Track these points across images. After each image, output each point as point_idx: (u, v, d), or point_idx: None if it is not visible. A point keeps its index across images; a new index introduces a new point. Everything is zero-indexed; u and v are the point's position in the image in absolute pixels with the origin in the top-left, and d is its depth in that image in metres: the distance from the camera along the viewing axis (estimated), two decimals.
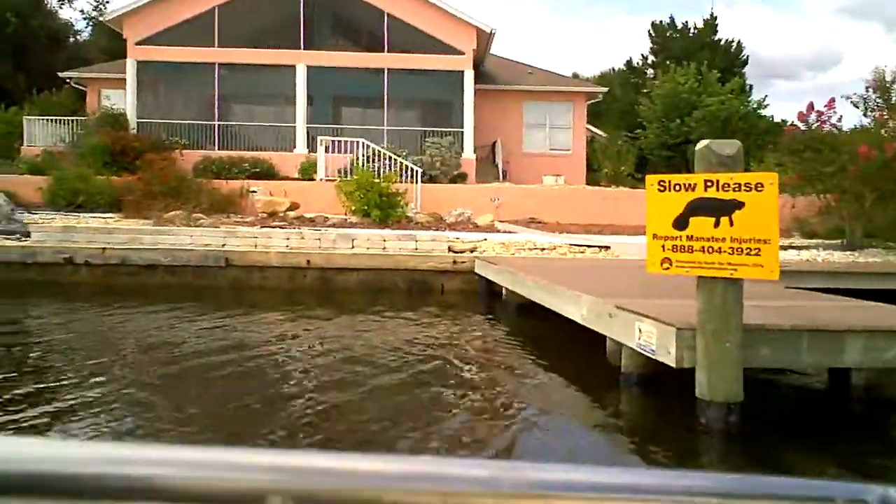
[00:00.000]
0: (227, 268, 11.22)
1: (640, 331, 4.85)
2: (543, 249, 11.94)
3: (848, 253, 12.11)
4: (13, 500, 0.54)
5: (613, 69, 45.19)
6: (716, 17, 41.50)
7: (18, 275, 11.25)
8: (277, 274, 11.27)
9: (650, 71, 43.68)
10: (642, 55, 43.93)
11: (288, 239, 11.53)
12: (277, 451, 0.60)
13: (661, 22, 42.62)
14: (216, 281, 11.28)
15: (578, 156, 28.32)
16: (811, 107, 13.36)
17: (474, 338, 8.44)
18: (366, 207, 16.84)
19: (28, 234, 11.87)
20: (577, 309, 6.27)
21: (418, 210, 17.62)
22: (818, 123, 13.13)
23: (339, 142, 18.78)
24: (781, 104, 62.04)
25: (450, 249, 11.51)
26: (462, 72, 24.91)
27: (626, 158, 26.92)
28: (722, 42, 41.17)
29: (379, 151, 18.17)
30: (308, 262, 11.19)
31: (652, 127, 36.12)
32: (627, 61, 44.20)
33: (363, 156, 18.13)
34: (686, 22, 41.80)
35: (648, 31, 42.92)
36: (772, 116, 32.06)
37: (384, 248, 11.52)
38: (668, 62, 40.75)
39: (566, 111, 28.40)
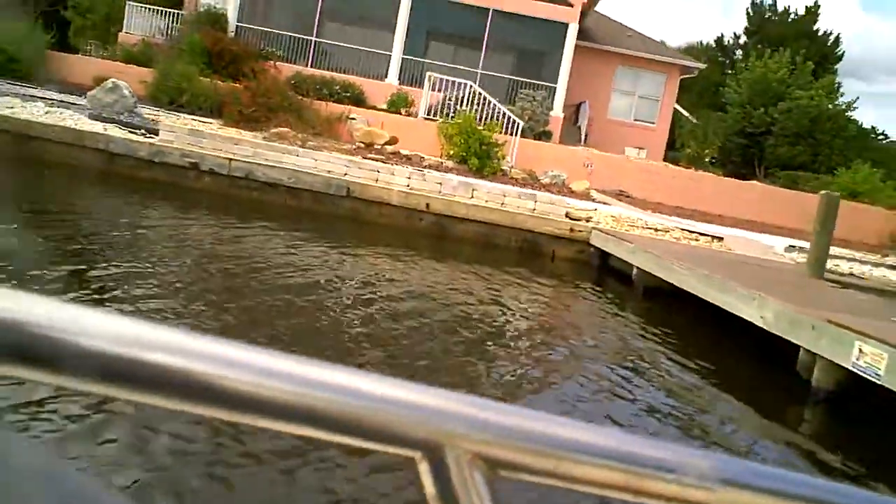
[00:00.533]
0: (347, 198, 11.27)
1: (860, 351, 4.81)
2: (657, 230, 11.86)
3: None
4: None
5: (701, 43, 44.05)
6: (819, 6, 40.17)
7: (144, 172, 11.40)
8: (395, 212, 11.32)
9: (739, 52, 42.59)
10: (734, 34, 42.75)
11: (409, 178, 11.54)
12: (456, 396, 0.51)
13: (761, 1, 41.36)
14: (335, 209, 11.36)
15: (662, 130, 27.91)
16: None
17: (601, 319, 8.45)
18: (464, 154, 16.77)
19: (156, 132, 11.97)
20: (756, 311, 6.25)
21: (513, 164, 17.50)
22: None
23: (446, 80, 18.53)
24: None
25: (567, 216, 11.46)
26: (567, 24, 24.44)
27: (712, 141, 26.46)
28: (820, 33, 39.93)
29: (485, 97, 17.95)
30: (427, 205, 11.22)
31: (734, 111, 35.39)
32: (718, 38, 43.10)
33: (468, 99, 17.92)
34: (788, 6, 40.50)
35: (747, 9, 41.65)
36: (861, 122, 31.21)
37: (503, 203, 11.49)
38: (760, 45, 39.70)
39: (658, 82, 27.91)
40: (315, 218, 11.21)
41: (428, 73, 18.76)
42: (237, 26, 24.53)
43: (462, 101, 17.98)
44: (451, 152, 16.88)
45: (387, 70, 24.82)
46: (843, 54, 39.65)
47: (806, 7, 40.55)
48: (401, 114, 20.97)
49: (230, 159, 11.29)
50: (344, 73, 23.83)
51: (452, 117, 17.85)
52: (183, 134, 11.60)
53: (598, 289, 10.01)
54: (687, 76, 28.64)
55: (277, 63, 23.41)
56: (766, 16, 40.89)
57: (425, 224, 11.36)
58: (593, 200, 15.81)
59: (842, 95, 35.74)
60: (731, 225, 16.51)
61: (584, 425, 0.51)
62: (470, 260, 10.70)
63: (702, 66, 28.90)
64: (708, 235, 12.13)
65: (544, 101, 23.47)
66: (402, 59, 24.80)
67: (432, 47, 25.95)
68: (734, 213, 18.50)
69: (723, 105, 35.42)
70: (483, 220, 11.27)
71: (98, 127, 11.92)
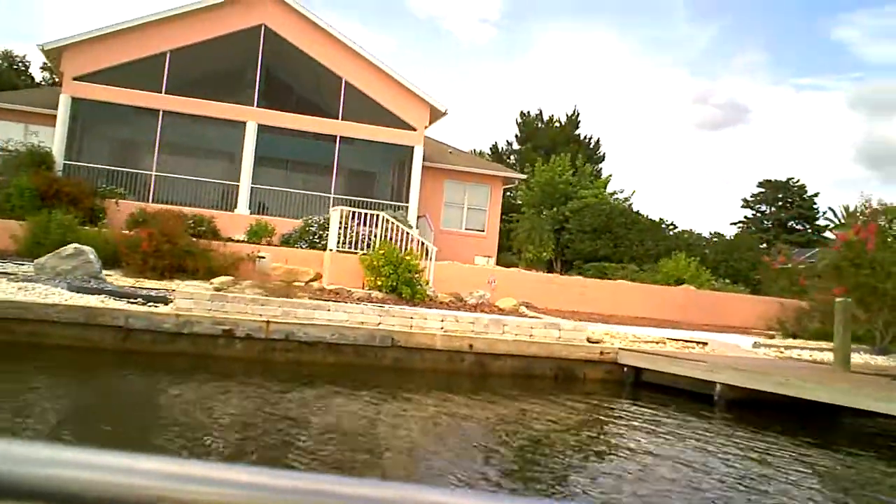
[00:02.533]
0: (391, 348, 11.24)
1: None
2: (657, 343, 13.06)
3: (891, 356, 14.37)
4: None
5: (477, 151, 47.65)
6: (578, 114, 45.36)
7: (166, 346, 10.54)
8: (437, 356, 11.46)
9: (513, 158, 46.55)
10: (507, 141, 46.76)
11: (443, 321, 11.75)
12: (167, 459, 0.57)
13: (528, 112, 45.82)
14: (377, 360, 11.25)
15: (492, 237, 29.80)
16: (860, 229, 15.71)
17: (734, 441, 9.31)
18: (394, 284, 17.05)
19: (164, 301, 11.10)
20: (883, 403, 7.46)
21: (433, 287, 18.03)
22: (863, 242, 15.36)
23: (357, 212, 18.77)
24: None
25: (588, 340, 12.29)
26: (412, 147, 25.67)
27: (547, 244, 28.78)
28: (583, 137, 44.99)
29: (396, 225, 18.42)
30: (471, 346, 11.50)
31: (529, 212, 38.61)
32: (493, 146, 46.85)
33: (381, 229, 18.28)
34: (553, 115, 45.29)
35: (516, 119, 45.88)
36: (647, 214, 35.41)
37: (530, 335, 12.07)
38: (534, 151, 43.93)
39: (484, 193, 29.88)
40: (360, 371, 11.01)
41: (338, 207, 18.85)
42: (65, 164, 22.88)
43: (372, 233, 18.26)
44: (380, 283, 17.05)
45: (236, 200, 24.35)
46: (604, 155, 44.92)
47: (567, 115, 45.59)
48: (261, 244, 20.59)
49: (268, 322, 10.80)
50: (190, 206, 22.98)
51: (370, 248, 18.08)
52: (203, 300, 10.90)
53: (665, 406, 10.84)
54: (509, 185, 31.00)
55: (119, 200, 22.18)
56: (536, 124, 45.32)
57: (466, 364, 11.60)
58: (525, 316, 16.74)
59: (622, 191, 40.51)
60: (629, 323, 18.23)
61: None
62: (522, 391, 11.11)
63: (522, 176, 31.49)
64: (694, 342, 13.55)
65: (405, 220, 24.33)
66: (252, 188, 24.52)
67: (282, 175, 25.94)
68: (622, 312, 20.37)
69: (517, 207, 38.54)
70: (521, 354, 11.75)
71: (93, 300, 10.82)
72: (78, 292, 11.17)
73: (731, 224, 54.29)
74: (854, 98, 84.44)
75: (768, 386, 9.44)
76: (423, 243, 18.77)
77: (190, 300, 10.87)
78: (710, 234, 40.95)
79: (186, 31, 23.85)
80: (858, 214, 18.01)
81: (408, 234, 18.61)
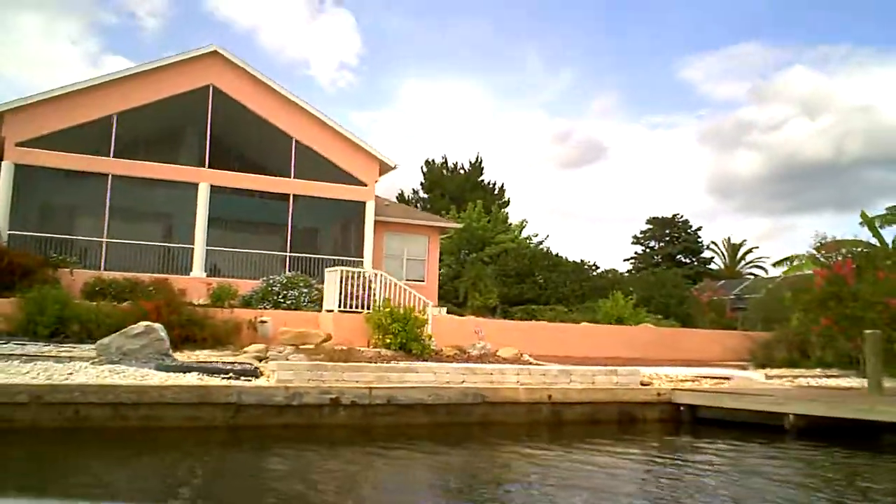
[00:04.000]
0: (480, 405, 11.90)
1: None
2: (693, 381, 14.32)
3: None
4: None
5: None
6: (482, 160, 47.17)
7: (273, 419, 10.78)
8: (518, 409, 12.21)
9: (419, 205, 47.66)
10: (413, 189, 47.87)
11: (518, 375, 12.53)
12: None
13: (433, 160, 47.19)
14: (467, 417, 11.87)
15: (432, 285, 30.65)
16: (840, 265, 17.65)
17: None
18: (403, 341, 17.59)
19: (254, 374, 11.29)
20: None
21: (434, 341, 18.67)
22: (843, 277, 17.28)
23: (353, 272, 19.19)
24: None
25: (641, 383, 13.39)
26: (364, 202, 26.28)
27: (491, 291, 29.92)
28: (489, 183, 46.78)
29: (394, 283, 19.00)
30: (550, 396, 12.33)
31: (450, 259, 39.78)
32: (399, 194, 47.82)
33: (381, 287, 18.81)
34: (457, 162, 46.86)
35: (421, 167, 47.10)
36: (566, 256, 37.29)
37: (593, 382, 13.04)
38: (442, 197, 45.30)
39: (422, 243, 30.73)
40: (453, 428, 11.59)
41: (337, 269, 19.19)
42: (10, 234, 22.05)
43: (379, 290, 18.77)
44: (388, 340, 17.53)
45: (191, 263, 24.12)
46: (509, 200, 46.81)
47: (470, 162, 47.28)
48: (224, 307, 20.44)
49: (370, 388, 11.24)
50: (144, 272, 22.63)
51: (368, 307, 18.54)
52: (302, 370, 11.22)
53: (736, 443, 12.01)
54: (445, 236, 32.01)
55: (74, 269, 21.59)
56: (442, 172, 46.72)
57: (544, 414, 12.40)
58: (530, 363, 17.68)
59: (536, 235, 42.35)
60: (612, 363, 19.52)
61: None
62: (601, 435, 12.02)
63: (459, 225, 32.60)
64: (721, 378, 14.92)
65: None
66: (207, 250, 24.36)
67: (235, 236, 25.83)
68: (599, 353, 21.64)
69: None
70: (590, 401, 12.68)
71: (192, 378, 10.91)
72: (167, 371, 11.19)
73: (624, 260, 57.41)
74: (702, 133, 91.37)
75: (847, 413, 10.80)
76: (419, 298, 19.39)
77: (290, 371, 11.14)
78: (627, 272, 43.44)
79: (133, 93, 23.61)
80: (819, 249, 20.12)
81: (405, 290, 19.19)
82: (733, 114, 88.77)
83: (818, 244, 20.09)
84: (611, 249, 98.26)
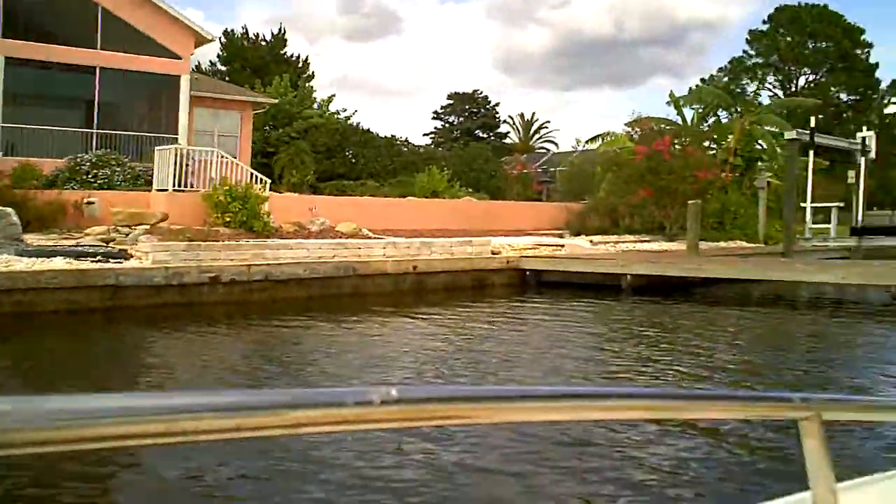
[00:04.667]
0: (351, 277, 12.54)
1: None
2: (532, 248, 15.68)
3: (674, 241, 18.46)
4: None
5: None
6: (285, 32, 45.87)
7: (153, 299, 10.87)
8: (386, 280, 12.99)
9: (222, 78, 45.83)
10: (210, 61, 45.82)
11: (384, 248, 13.23)
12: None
13: (232, 31, 45.24)
14: (339, 290, 12.49)
15: (245, 162, 30.21)
16: (660, 143, 19.36)
17: (646, 314, 12.27)
18: (244, 219, 17.64)
19: (123, 257, 11.18)
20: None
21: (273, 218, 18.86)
22: (660, 153, 19.06)
23: (189, 150, 18.70)
24: None
25: (491, 252, 14.54)
26: (179, 76, 25.18)
27: (308, 168, 29.96)
28: (292, 56, 45.74)
29: (231, 160, 18.80)
30: (414, 267, 13.18)
31: (256, 135, 39.07)
32: (196, 66, 45.52)
33: (215, 165, 18.56)
34: (258, 33, 45.29)
35: (220, 38, 45.00)
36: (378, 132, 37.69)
37: (452, 253, 14.01)
38: (243, 70, 43.93)
39: (234, 118, 30.04)
40: (327, 301, 12.19)
41: (172, 147, 18.60)
42: None
43: (215, 169, 18.50)
44: (228, 219, 17.50)
45: None
46: (313, 74, 46.05)
47: (272, 34, 45.81)
48: (27, 188, 19.32)
49: (249, 266, 11.51)
50: None
51: (207, 186, 18.30)
52: (178, 251, 11.26)
53: (579, 297, 13.49)
54: (259, 111, 31.33)
55: None
56: (242, 43, 44.94)
57: (409, 283, 13.27)
58: (367, 237, 18.41)
59: (345, 110, 42.22)
60: (439, 235, 20.74)
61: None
62: (461, 300, 13.10)
63: (274, 100, 31.96)
64: (556, 245, 16.38)
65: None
66: (2, 127, 22.59)
67: (36, 112, 23.94)
68: (428, 226, 22.66)
69: None
70: (450, 270, 13.67)
71: (60, 262, 10.65)
72: (30, 256, 10.82)
73: (424, 135, 58.57)
74: (490, 8, 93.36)
75: (680, 272, 12.50)
76: (254, 175, 19.34)
77: (166, 252, 11.15)
78: (426, 146, 44.56)
79: None
80: (633, 125, 22.00)
81: (240, 167, 19.04)
82: None
83: (633, 120, 21.94)
84: (409, 124, 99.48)
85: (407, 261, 13.21)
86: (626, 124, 23.27)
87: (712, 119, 26.71)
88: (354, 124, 39.41)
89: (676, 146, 19.65)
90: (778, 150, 21.97)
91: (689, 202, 15.19)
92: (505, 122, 57.77)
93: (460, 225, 23.31)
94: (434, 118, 57.41)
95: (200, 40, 25.68)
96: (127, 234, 14.44)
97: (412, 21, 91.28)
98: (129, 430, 0.64)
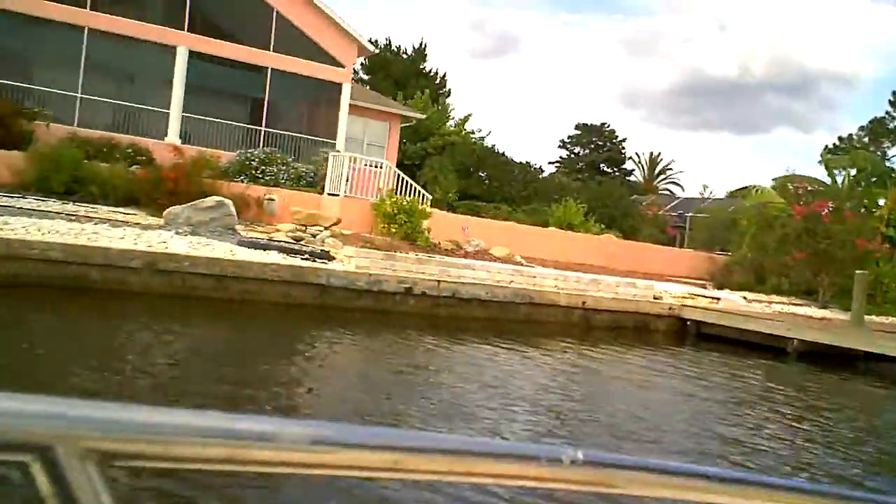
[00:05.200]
0: (525, 304, 13.23)
1: None
2: (687, 298, 16.08)
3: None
4: None
5: None
6: (426, 45, 47.26)
7: (356, 302, 11.77)
8: (557, 311, 13.62)
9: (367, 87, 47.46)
10: (354, 69, 47.55)
11: (556, 280, 13.87)
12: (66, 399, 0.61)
13: (377, 40, 46.86)
14: (514, 315, 13.19)
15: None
16: (820, 204, 19.54)
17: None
18: (408, 231, 18.57)
19: (323, 257, 12.15)
20: None
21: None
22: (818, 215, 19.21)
23: (361, 158, 19.82)
24: None
25: (654, 297, 15.02)
26: (341, 84, 26.51)
27: (452, 185, 30.95)
28: (431, 71, 47.07)
29: (398, 174, 19.81)
30: (584, 302, 13.77)
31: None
32: None
33: (385, 178, 19.60)
34: (400, 45, 46.84)
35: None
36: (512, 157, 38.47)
37: (617, 293, 14.55)
38: (385, 82, 45.37)
39: (383, 129, 31.27)
40: (504, 324, 12.91)
41: (346, 153, 19.79)
42: None
43: (383, 181, 19.54)
44: (394, 230, 18.45)
45: (166, 129, 24.00)
46: (450, 91, 47.28)
47: (414, 47, 47.27)
48: (203, 178, 20.65)
49: (439, 282, 12.33)
50: (117, 131, 22.57)
51: (373, 196, 19.35)
52: (377, 259, 12.17)
53: (744, 360, 13.80)
54: (406, 124, 32.55)
55: (50, 124, 21.25)
56: (385, 54, 46.52)
57: (577, 317, 13.87)
58: (521, 264, 19.07)
59: (480, 130, 43.22)
60: (582, 270, 21.22)
61: (188, 411, 0.65)
62: (625, 341, 13.61)
63: (422, 116, 33.15)
64: (713, 297, 16.75)
65: (337, 157, 25.34)
66: (183, 116, 24.25)
67: (211, 105, 25.63)
68: (570, 259, 23.23)
69: None
70: (615, 310, 14.21)
71: (265, 256, 11.69)
72: (248, 247, 11.90)
73: (550, 163, 59.16)
74: (618, 38, 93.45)
75: (849, 343, 12.74)
76: (418, 191, 20.29)
77: (367, 259, 12.08)
78: (551, 174, 45.06)
79: None
80: (786, 182, 22.11)
81: (405, 181, 20.03)
82: (647, 20, 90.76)
83: (785, 177, 22.04)
84: (532, 149, 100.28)
85: (577, 295, 13.83)
86: (774, 179, 23.31)
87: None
88: (491, 146, 40.34)
89: (833, 209, 19.64)
90: None
91: (858, 272, 15.30)
92: (630, 158, 57.86)
93: (600, 261, 23.81)
94: (560, 146, 57.96)
95: (362, 50, 26.96)
96: (314, 235, 15.50)
97: (534, 42, 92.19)
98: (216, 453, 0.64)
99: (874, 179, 24.77)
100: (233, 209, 13.28)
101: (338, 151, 24.93)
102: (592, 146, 56.83)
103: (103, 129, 22.34)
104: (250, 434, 0.65)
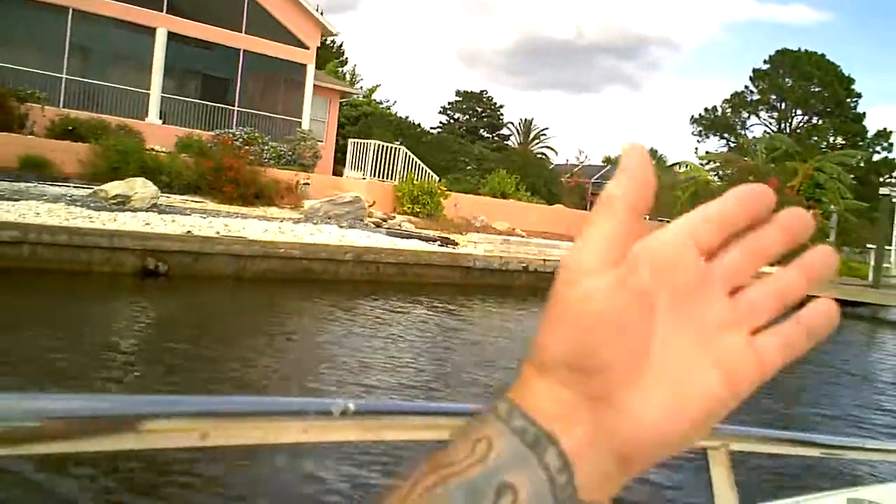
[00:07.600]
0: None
1: None
2: None
3: None
4: None
5: None
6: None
7: (487, 279, 14.61)
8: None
9: None
10: None
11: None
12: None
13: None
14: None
15: (329, 148, 33.47)
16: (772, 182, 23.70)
17: None
18: (430, 211, 21.25)
19: (453, 243, 14.83)
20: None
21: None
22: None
23: (377, 144, 22.13)
24: None
25: None
26: (305, 65, 28.37)
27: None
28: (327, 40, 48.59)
29: (412, 159, 22.36)
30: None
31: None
32: None
33: (402, 160, 22.10)
34: None
35: None
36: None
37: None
38: None
39: (323, 105, 33.22)
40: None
41: (373, 141, 22.01)
42: None
43: (399, 163, 22.04)
44: (417, 209, 21.04)
45: (146, 109, 25.15)
46: (347, 59, 49.12)
47: None
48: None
49: (545, 260, 15.34)
50: (101, 113, 23.67)
51: (388, 178, 21.85)
52: (497, 243, 15.01)
53: None
54: (345, 99, 34.54)
55: (45, 106, 22.11)
56: None
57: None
58: (521, 237, 22.25)
59: (388, 100, 45.43)
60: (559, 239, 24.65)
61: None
62: None
63: (357, 91, 35.20)
64: None
65: (308, 136, 27.32)
66: (162, 97, 25.44)
67: (187, 85, 26.81)
68: (538, 228, 26.50)
69: None
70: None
71: (404, 242, 14.25)
72: (393, 237, 14.39)
73: (432, 128, 62.10)
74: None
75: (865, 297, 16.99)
76: (427, 173, 22.93)
77: (490, 244, 14.89)
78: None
79: None
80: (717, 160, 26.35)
81: (417, 164, 22.61)
82: None
83: (716, 153, 26.34)
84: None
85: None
86: (700, 157, 27.50)
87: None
88: (404, 116, 42.75)
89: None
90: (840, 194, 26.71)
91: (869, 245, 19.55)
92: (507, 125, 61.85)
93: (558, 229, 27.26)
94: (441, 112, 61.05)
95: (325, 32, 28.89)
96: (392, 218, 17.90)
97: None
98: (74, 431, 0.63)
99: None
100: (365, 202, 15.53)
101: (307, 130, 27.01)
102: (471, 112, 60.32)
103: (88, 109, 23.24)
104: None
